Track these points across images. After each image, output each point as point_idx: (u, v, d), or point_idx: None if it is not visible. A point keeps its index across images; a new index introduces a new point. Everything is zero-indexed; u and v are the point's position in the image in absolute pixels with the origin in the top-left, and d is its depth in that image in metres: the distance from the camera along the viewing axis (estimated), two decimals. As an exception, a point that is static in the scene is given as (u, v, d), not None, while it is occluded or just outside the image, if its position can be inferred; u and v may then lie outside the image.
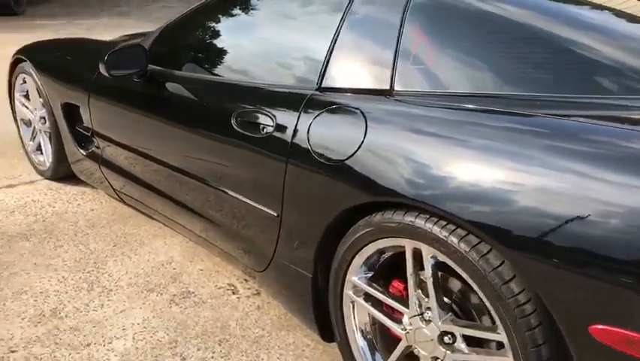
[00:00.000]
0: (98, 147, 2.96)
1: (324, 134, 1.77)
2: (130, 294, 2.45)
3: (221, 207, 2.27)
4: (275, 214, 1.94)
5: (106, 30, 8.96)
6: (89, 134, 2.96)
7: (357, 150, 1.66)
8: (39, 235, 2.89)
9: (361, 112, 1.71)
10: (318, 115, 1.81)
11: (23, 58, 3.42)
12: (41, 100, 3.37)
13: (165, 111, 2.43)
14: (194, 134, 2.29)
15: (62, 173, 3.44)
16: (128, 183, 2.83)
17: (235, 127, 2.05)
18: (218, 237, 2.38)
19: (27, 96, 3.57)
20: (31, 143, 3.63)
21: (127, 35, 3.87)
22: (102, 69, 2.42)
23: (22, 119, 3.67)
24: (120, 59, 2.41)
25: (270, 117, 1.94)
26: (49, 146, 3.46)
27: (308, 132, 1.80)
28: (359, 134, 1.67)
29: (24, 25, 9.32)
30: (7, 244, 2.81)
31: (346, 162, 1.67)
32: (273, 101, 1.99)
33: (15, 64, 3.54)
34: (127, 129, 2.71)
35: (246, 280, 2.56)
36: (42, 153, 3.55)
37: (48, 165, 3.46)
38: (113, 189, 2.97)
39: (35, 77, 3.29)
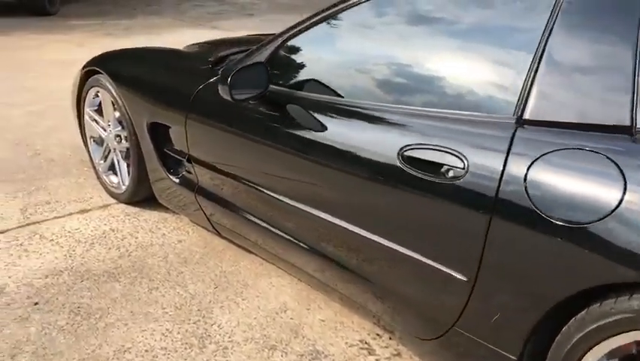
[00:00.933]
0: (191, 173, 2.59)
1: (553, 186, 1.38)
2: (249, 353, 2.07)
3: (365, 255, 1.89)
4: (464, 279, 1.56)
5: (144, 30, 8.62)
6: (184, 159, 2.57)
7: (612, 211, 1.26)
8: (128, 273, 2.52)
9: (609, 158, 1.32)
10: (537, 159, 1.41)
11: (97, 70, 3.05)
12: (117, 116, 3.00)
13: (290, 139, 2.04)
14: (331, 168, 1.90)
15: (140, 197, 3.07)
16: (229, 214, 2.45)
17: (401, 165, 1.66)
18: (351, 285, 2.00)
19: (99, 111, 3.21)
20: (102, 162, 3.26)
21: (205, 43, 3.50)
22: (223, 92, 2.04)
23: (91, 137, 3.30)
24: (242, 79, 2.02)
25: (458, 157, 1.55)
26: (125, 167, 3.09)
27: (525, 181, 1.41)
28: (613, 190, 1.28)
29: (59, 26, 8.97)
30: (95, 285, 2.44)
31: (595, 225, 1.28)
32: (459, 135, 1.59)
33: (87, 75, 3.17)
34: (234, 156, 2.33)
35: (378, 334, 2.18)
36: (116, 175, 3.18)
37: (124, 188, 3.09)
38: (208, 219, 2.60)
39: (113, 91, 2.91)
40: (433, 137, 1.63)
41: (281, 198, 2.14)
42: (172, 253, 2.68)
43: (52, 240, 2.78)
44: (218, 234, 2.66)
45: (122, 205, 3.14)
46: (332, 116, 1.96)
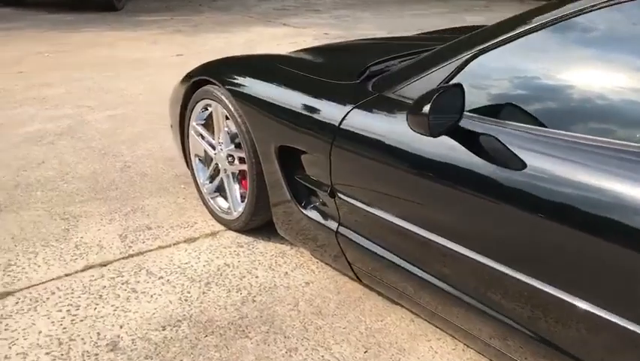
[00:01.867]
0: (331, 208, 2.15)
1: None
2: None
3: (567, 324, 1.43)
4: None
5: (215, 27, 8.27)
6: (324, 192, 2.13)
7: None
8: (258, 327, 2.10)
9: None
10: None
11: (210, 80, 2.64)
12: (232, 134, 2.60)
13: (476, 177, 1.58)
14: (529, 216, 1.44)
15: (254, 225, 2.66)
16: (377, 260, 2.01)
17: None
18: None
19: (206, 126, 2.81)
20: (207, 183, 2.86)
21: (320, 48, 3.07)
22: (417, 124, 1.59)
23: (196, 155, 2.90)
24: (438, 107, 1.56)
25: None
26: (238, 191, 2.68)
27: None
28: None
29: (127, 22, 8.70)
30: (222, 340, 2.03)
31: None
32: None
33: (194, 86, 2.77)
34: (396, 192, 1.88)
35: None
36: (225, 199, 2.77)
37: (236, 214, 2.68)
38: (349, 263, 2.16)
39: (230, 106, 2.50)
40: None
41: (455, 247, 1.69)
42: (302, 300, 2.26)
43: (161, 277, 2.39)
44: (358, 280, 2.22)
45: (233, 233, 2.73)
46: (538, 152, 1.50)
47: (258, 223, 2.65)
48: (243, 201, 2.66)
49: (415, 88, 1.86)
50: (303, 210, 2.27)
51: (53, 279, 2.38)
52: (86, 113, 4.48)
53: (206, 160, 2.88)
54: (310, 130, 2.14)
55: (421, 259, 1.87)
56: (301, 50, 3.08)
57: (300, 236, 2.39)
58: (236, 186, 2.69)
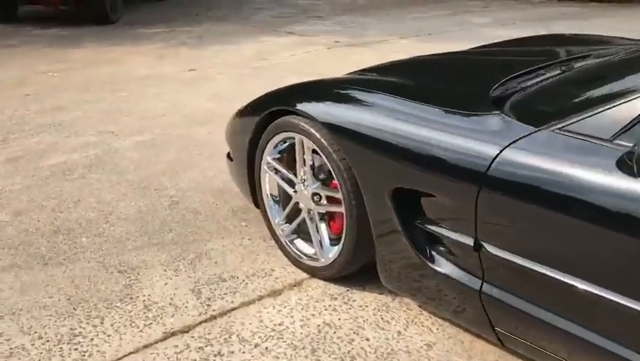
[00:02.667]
0: (473, 263, 1.81)
1: None
2: None
3: None
4: None
5: (219, 38, 7.88)
6: (466, 243, 1.79)
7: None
8: (393, 408, 1.76)
9: None
10: None
11: (292, 110, 2.29)
12: (318, 169, 2.25)
13: None
14: None
15: (347, 272, 2.32)
16: (537, 324, 1.68)
17: None
18: None
19: (282, 160, 2.46)
20: (285, 225, 2.51)
21: (389, 66, 2.74)
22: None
23: (270, 194, 2.55)
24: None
25: None
26: (326, 234, 2.33)
27: None
28: None
29: (127, 35, 8.27)
30: None
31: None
32: None
33: (269, 117, 2.41)
34: (574, 245, 1.55)
35: None
36: (309, 242, 2.43)
37: (326, 260, 2.33)
38: (492, 326, 1.83)
39: (323, 141, 2.15)
40: None
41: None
42: (430, 368, 1.92)
43: (257, 344, 2.03)
44: (500, 343, 1.88)
45: (319, 282, 2.38)
46: None
47: (352, 270, 2.31)
48: (333, 246, 2.31)
49: (594, 122, 1.53)
50: (429, 264, 1.92)
51: (131, 353, 2.01)
52: (111, 140, 4.09)
53: (282, 199, 2.53)
54: (445, 172, 1.79)
55: (592, 319, 1.55)
56: (372, 70, 2.75)
57: (417, 290, 2.04)
58: (324, 229, 2.34)
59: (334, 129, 2.13)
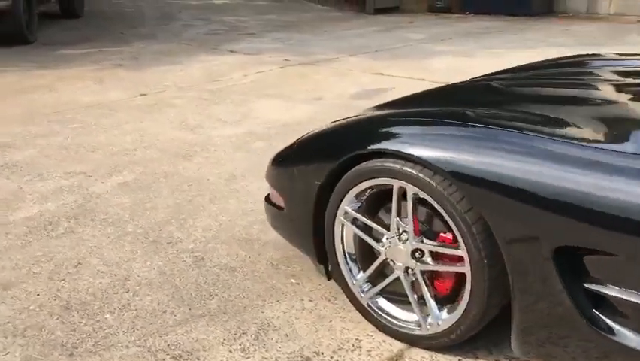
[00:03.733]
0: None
1: None
2: None
3: None
4: None
5: (157, 58, 7.31)
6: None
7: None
8: None
9: None
10: None
11: (391, 152, 1.92)
12: (426, 222, 1.90)
13: None
14: None
15: (463, 340, 1.97)
16: None
17: None
18: None
19: (365, 210, 2.08)
20: (367, 286, 2.12)
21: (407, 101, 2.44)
22: None
23: (348, 253, 2.15)
24: None
25: None
26: (432, 299, 1.97)
27: None
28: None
29: (50, 57, 7.48)
30: None
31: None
32: None
33: (350, 161, 2.03)
34: None
35: None
36: (404, 305, 2.06)
37: (433, 328, 1.96)
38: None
39: (441, 190, 1.80)
40: None
41: None
42: None
43: None
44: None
45: (423, 352, 2.02)
46: None
47: (469, 336, 1.96)
48: (443, 310, 1.96)
49: None
50: (598, 330, 1.62)
51: None
52: (86, 183, 3.50)
53: (363, 255, 2.15)
54: (626, 226, 1.50)
55: None
56: (420, 99, 2.44)
57: (573, 358, 1.73)
58: (428, 291, 1.98)
59: (459, 176, 1.78)
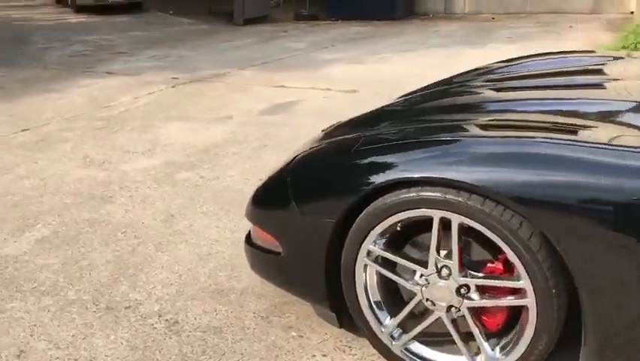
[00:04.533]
0: None
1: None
2: None
3: None
4: None
5: (30, 87, 6.58)
6: None
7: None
8: None
9: None
10: None
11: (434, 179, 1.67)
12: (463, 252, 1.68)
13: None
14: None
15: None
16: None
17: None
18: None
19: (393, 247, 1.81)
20: (399, 334, 1.85)
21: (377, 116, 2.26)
22: None
23: (375, 302, 1.87)
24: None
25: None
26: (483, 339, 1.75)
27: None
28: None
29: None
30: None
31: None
32: None
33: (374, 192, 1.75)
34: None
35: None
36: (443, 348, 1.82)
37: (490, 368, 1.75)
38: None
39: (495, 217, 1.59)
40: None
41: None
42: None
43: None
44: None
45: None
46: None
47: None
48: (495, 349, 1.75)
49: None
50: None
51: None
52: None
53: (390, 298, 1.88)
54: None
55: None
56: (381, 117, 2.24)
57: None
58: (478, 330, 1.76)
59: (517, 199, 1.57)
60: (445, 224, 1.70)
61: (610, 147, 1.63)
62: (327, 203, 1.87)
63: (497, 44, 7.90)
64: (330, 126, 2.39)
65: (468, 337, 1.79)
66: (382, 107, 2.56)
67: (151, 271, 2.60)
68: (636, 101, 2.06)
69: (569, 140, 1.71)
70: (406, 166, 1.78)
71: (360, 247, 1.82)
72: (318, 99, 5.39)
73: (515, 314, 1.73)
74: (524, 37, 8.40)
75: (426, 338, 1.86)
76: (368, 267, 1.85)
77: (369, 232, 1.79)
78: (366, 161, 1.90)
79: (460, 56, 7.03)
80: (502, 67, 2.88)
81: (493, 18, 11.49)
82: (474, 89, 2.55)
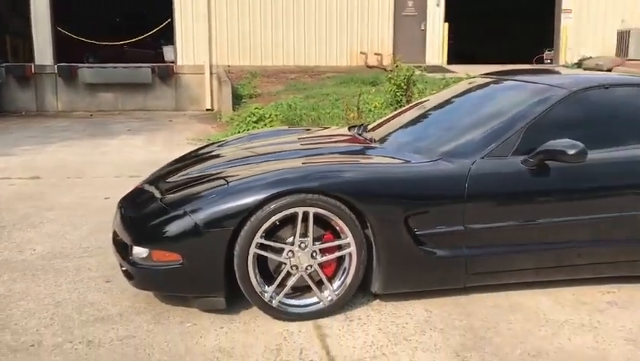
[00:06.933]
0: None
1: None
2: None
3: None
4: None
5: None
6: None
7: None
8: None
9: None
10: None
11: (299, 189, 2.78)
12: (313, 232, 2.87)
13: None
14: None
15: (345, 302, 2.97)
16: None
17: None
18: None
19: (268, 236, 2.82)
20: (273, 292, 2.85)
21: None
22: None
23: (258, 278, 2.81)
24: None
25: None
26: (326, 280, 2.91)
27: None
28: None
29: None
30: None
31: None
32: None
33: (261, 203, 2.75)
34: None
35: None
36: (303, 294, 2.92)
37: (331, 297, 2.90)
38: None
39: (335, 205, 2.81)
40: None
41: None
42: None
43: None
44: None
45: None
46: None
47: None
48: (334, 284, 2.91)
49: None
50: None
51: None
52: None
53: (269, 274, 2.86)
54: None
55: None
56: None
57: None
58: (324, 276, 2.90)
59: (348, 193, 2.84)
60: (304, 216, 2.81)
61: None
62: (227, 217, 2.73)
63: (125, 136, 8.79)
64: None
65: (317, 284, 2.91)
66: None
67: None
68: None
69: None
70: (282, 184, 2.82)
71: (252, 241, 2.76)
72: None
73: (339, 263, 2.93)
74: (142, 129, 9.49)
75: (291, 293, 2.90)
76: (255, 254, 2.79)
77: (259, 230, 2.76)
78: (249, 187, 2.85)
79: (106, 145, 7.80)
80: (234, 139, 4.13)
81: (91, 115, 12.04)
82: (222, 153, 3.71)
